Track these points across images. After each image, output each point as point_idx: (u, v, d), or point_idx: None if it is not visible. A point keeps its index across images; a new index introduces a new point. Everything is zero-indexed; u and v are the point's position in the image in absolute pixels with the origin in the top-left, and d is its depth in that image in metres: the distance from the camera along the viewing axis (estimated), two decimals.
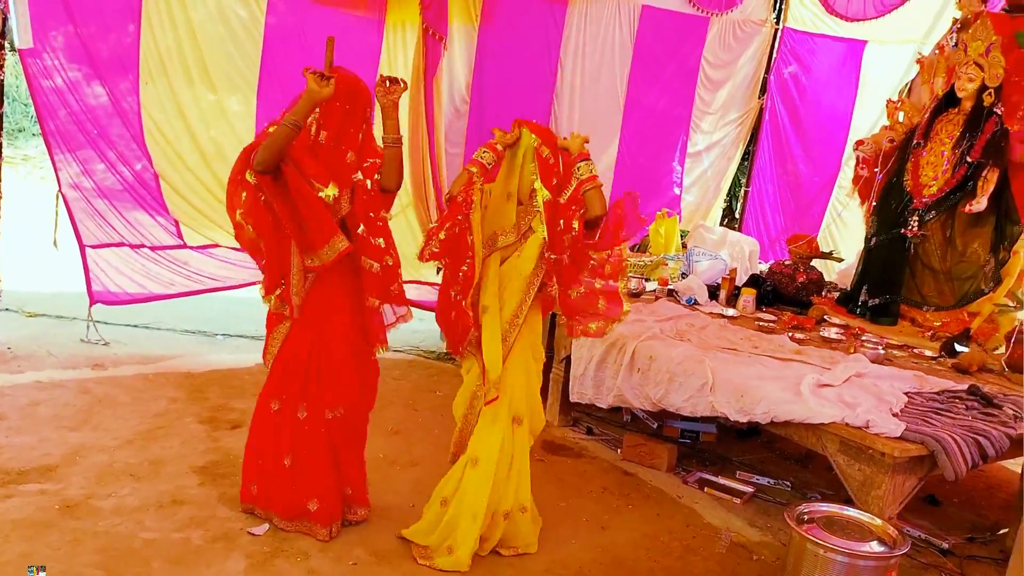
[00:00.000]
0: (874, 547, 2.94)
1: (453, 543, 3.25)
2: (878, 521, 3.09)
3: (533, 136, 3.20)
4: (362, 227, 3.16)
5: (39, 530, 3.17)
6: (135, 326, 5.80)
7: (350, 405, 3.34)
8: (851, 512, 3.16)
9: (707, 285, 5.49)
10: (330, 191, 3.01)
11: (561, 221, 3.19)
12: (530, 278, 3.26)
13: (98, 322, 5.44)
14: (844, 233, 7.53)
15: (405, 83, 3.23)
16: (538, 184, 3.15)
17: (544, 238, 3.15)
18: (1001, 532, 3.96)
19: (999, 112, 4.97)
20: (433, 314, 6.39)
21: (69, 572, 2.93)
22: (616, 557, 3.47)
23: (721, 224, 8.04)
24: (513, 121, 3.28)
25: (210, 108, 5.74)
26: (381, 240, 3.23)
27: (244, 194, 3.13)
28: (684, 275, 5.83)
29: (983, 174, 5.01)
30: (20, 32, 4.86)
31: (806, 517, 3.11)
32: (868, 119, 7.29)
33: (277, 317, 3.33)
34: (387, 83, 3.19)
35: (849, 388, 3.70)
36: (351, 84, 3.11)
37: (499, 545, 3.37)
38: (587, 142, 3.31)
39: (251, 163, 3.02)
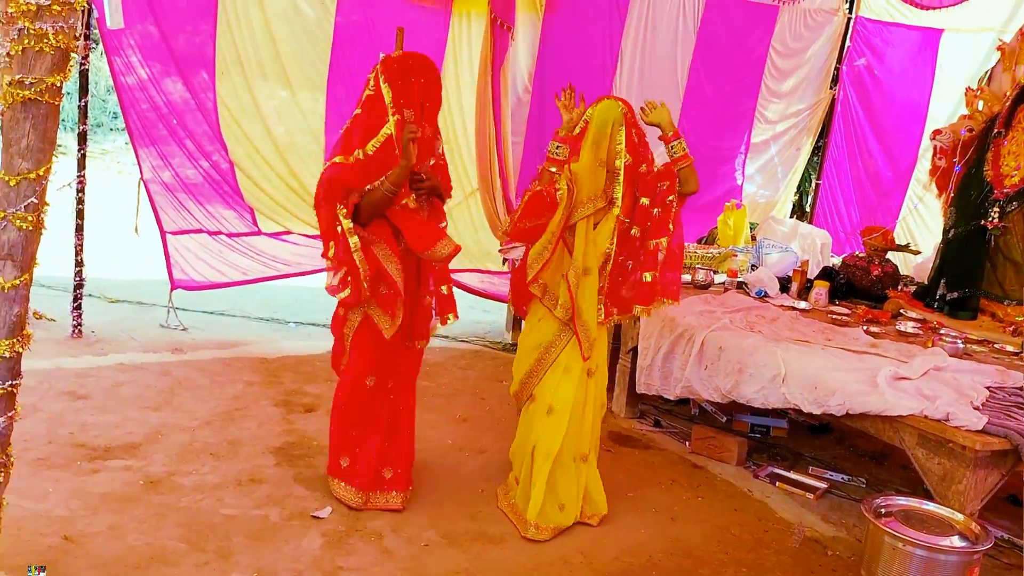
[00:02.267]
0: (955, 542, 2.87)
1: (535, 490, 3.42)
2: (959, 516, 3.01)
3: (620, 104, 3.34)
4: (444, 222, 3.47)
5: (125, 504, 3.30)
6: (211, 313, 5.98)
7: (415, 374, 3.62)
8: (931, 506, 3.10)
9: (777, 278, 5.40)
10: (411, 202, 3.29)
11: (644, 198, 3.34)
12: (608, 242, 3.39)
13: (177, 308, 5.62)
14: (921, 227, 7.34)
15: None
16: (621, 147, 3.29)
17: (619, 200, 3.30)
18: None
19: None
20: (497, 304, 6.52)
21: (155, 544, 3.04)
22: (686, 547, 3.45)
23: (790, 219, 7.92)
24: (598, 98, 3.42)
25: (283, 103, 5.88)
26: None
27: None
28: (754, 267, 5.75)
29: None
30: (112, 12, 4.99)
31: (883, 510, 3.05)
32: (945, 110, 7.08)
33: (343, 313, 3.43)
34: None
35: (928, 381, 3.61)
36: (423, 60, 3.30)
37: (581, 516, 3.51)
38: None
39: (347, 212, 3.16)
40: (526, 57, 6.45)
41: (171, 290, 5.54)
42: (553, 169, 3.35)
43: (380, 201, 3.19)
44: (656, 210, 3.35)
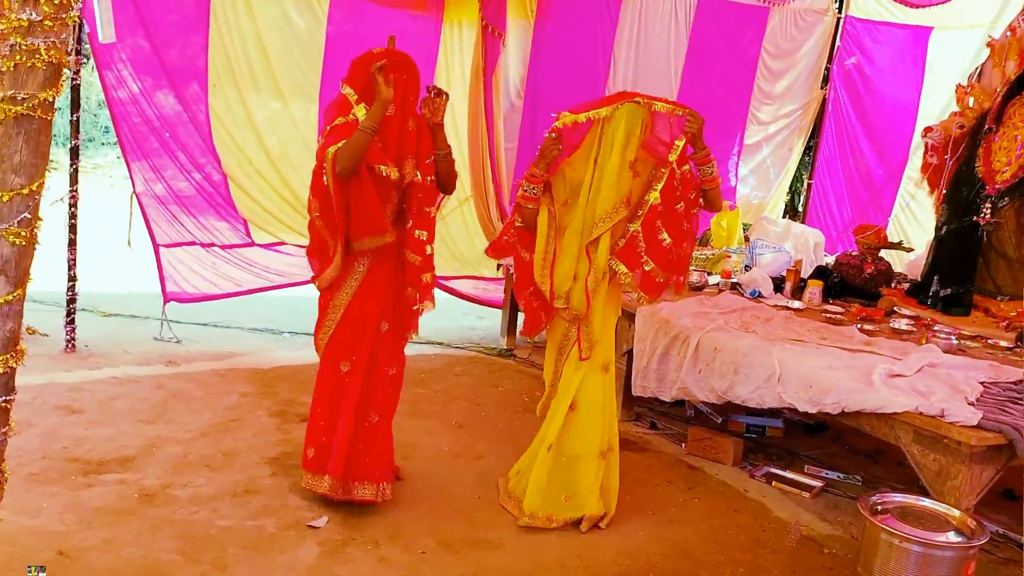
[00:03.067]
0: (951, 537, 2.86)
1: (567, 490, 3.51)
2: (955, 512, 3.00)
3: (643, 106, 3.32)
4: (411, 222, 3.41)
5: (120, 517, 3.28)
6: (205, 324, 5.97)
7: (400, 367, 3.62)
8: (926, 503, 3.08)
9: (771, 278, 5.40)
10: (392, 172, 3.24)
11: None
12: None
13: (170, 321, 5.61)
14: (913, 224, 7.36)
15: (447, 95, 3.41)
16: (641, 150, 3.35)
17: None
18: None
19: None
20: (491, 310, 6.52)
21: (150, 557, 3.03)
22: (684, 549, 3.44)
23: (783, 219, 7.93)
24: (620, 96, 3.42)
25: (275, 114, 5.89)
26: (424, 233, 3.44)
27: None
28: (747, 268, 5.76)
29: None
30: (103, 26, 5.00)
31: (879, 507, 3.04)
32: (936, 107, 7.12)
33: (327, 295, 3.46)
34: (432, 93, 3.35)
35: (922, 377, 3.60)
36: (404, 58, 3.34)
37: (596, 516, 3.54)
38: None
39: (332, 167, 3.14)
40: (518, 63, 6.47)
41: (164, 303, 5.54)
42: (531, 206, 3.42)
43: (357, 143, 3.11)
44: (685, 224, 3.49)
